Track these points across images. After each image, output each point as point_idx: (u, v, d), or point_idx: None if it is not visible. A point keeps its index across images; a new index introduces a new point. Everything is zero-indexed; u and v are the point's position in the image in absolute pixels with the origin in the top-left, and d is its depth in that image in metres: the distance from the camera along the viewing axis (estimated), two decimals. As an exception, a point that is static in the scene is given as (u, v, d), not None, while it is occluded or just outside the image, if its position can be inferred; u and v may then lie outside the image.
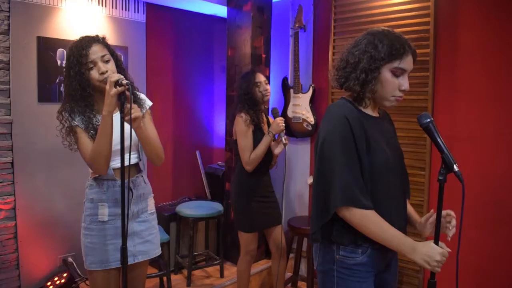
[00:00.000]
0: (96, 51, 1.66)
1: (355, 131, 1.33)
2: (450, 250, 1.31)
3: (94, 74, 1.66)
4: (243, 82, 2.65)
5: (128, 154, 1.60)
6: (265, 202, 2.67)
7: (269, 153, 2.61)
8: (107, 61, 1.69)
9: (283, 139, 2.55)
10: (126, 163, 1.72)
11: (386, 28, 1.42)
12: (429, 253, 1.26)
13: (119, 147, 1.69)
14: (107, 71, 1.66)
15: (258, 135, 2.57)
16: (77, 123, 1.68)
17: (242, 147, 2.56)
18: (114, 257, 1.75)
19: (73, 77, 1.65)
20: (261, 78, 2.64)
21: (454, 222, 1.39)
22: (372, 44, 1.36)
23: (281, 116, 2.95)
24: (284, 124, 2.54)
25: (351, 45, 1.44)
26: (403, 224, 1.49)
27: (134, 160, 1.82)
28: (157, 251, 1.91)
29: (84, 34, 1.73)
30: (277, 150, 2.61)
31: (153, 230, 1.89)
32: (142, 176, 1.86)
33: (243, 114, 2.57)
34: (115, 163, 1.75)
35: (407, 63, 1.36)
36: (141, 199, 1.84)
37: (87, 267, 1.77)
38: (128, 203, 1.66)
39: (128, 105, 1.54)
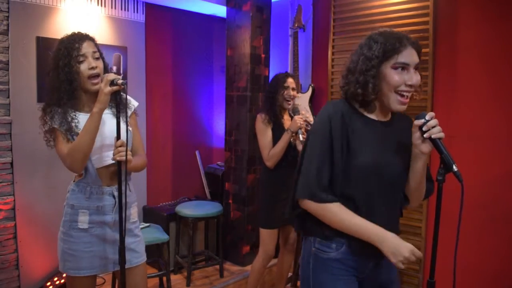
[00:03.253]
0: (88, 47, 1.67)
1: (334, 132, 1.33)
2: (421, 254, 1.28)
3: (84, 67, 1.65)
4: (273, 81, 2.71)
5: (125, 152, 1.59)
6: (286, 199, 2.68)
7: (290, 150, 2.63)
8: (97, 58, 1.69)
9: (300, 136, 2.56)
10: (104, 163, 1.72)
11: (385, 28, 1.41)
12: (398, 246, 1.25)
13: (105, 143, 1.69)
14: (96, 67, 1.66)
15: (279, 132, 2.61)
16: (56, 126, 1.65)
17: (261, 144, 2.65)
18: (95, 263, 1.71)
19: (61, 68, 1.62)
20: (290, 83, 2.67)
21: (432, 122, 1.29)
22: (367, 46, 1.36)
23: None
24: (302, 122, 2.55)
25: (352, 53, 1.44)
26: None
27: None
28: (141, 259, 1.84)
29: (76, 31, 1.73)
30: (299, 147, 2.64)
31: (135, 238, 1.84)
32: (128, 184, 1.81)
33: (262, 113, 2.65)
34: (102, 162, 1.71)
35: (407, 56, 1.34)
36: (125, 207, 1.79)
37: (65, 271, 1.72)
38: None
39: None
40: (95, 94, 1.65)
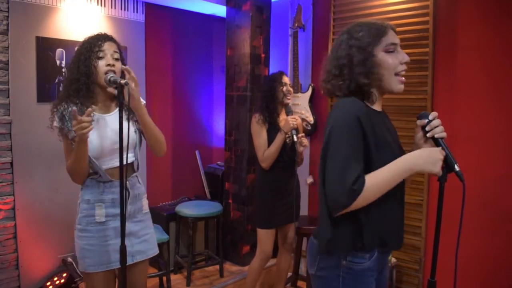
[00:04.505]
0: (109, 46, 1.74)
1: (367, 131, 1.28)
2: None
3: (102, 63, 1.70)
4: (269, 80, 2.72)
5: (126, 153, 1.60)
6: (282, 199, 2.68)
7: (285, 150, 2.63)
8: (116, 59, 1.75)
9: (294, 137, 2.55)
10: (114, 164, 1.76)
11: (356, 21, 1.42)
12: (432, 155, 1.24)
13: (115, 146, 1.71)
14: (114, 65, 1.72)
15: (274, 133, 2.61)
16: (60, 125, 1.68)
17: (256, 145, 2.65)
18: (113, 258, 1.75)
19: (82, 61, 1.70)
20: (286, 80, 2.70)
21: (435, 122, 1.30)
22: (352, 38, 1.36)
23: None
24: (295, 122, 2.55)
25: (332, 51, 1.43)
26: (401, 223, 1.46)
27: (130, 159, 1.81)
28: (155, 250, 1.90)
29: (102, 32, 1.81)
30: (300, 149, 2.64)
31: (149, 230, 1.90)
32: (137, 176, 1.87)
33: (257, 114, 2.66)
34: (111, 163, 1.76)
35: (393, 36, 1.36)
36: (136, 199, 1.85)
37: (85, 269, 1.74)
38: (126, 203, 1.66)
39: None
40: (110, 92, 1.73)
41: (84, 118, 1.53)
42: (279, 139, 2.56)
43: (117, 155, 1.71)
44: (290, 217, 2.74)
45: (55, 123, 1.70)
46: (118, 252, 1.71)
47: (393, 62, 1.34)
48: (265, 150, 2.61)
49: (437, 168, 1.24)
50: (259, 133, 2.63)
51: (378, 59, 1.34)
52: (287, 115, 2.65)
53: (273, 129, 2.62)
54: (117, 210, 1.73)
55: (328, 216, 1.33)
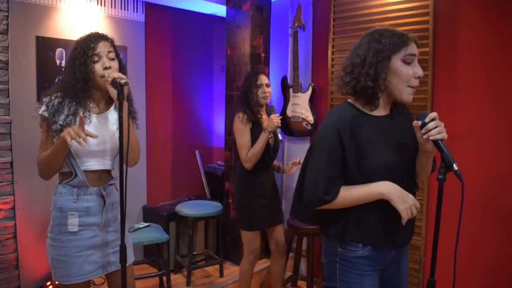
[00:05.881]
0: (103, 47, 1.68)
1: (345, 141, 1.38)
2: (419, 206, 1.39)
3: (98, 67, 1.66)
4: (245, 81, 2.69)
5: (126, 154, 1.58)
6: (266, 200, 2.67)
7: (268, 151, 2.62)
8: (112, 59, 1.70)
9: (279, 135, 2.55)
10: (103, 166, 1.74)
11: (384, 26, 1.45)
12: (405, 193, 1.36)
13: (96, 148, 1.69)
14: (110, 67, 1.67)
15: (257, 133, 2.58)
16: (46, 115, 1.67)
17: (239, 145, 2.59)
18: (85, 269, 1.68)
19: (77, 67, 1.65)
20: (263, 80, 2.65)
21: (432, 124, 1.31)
22: (374, 40, 1.39)
23: (280, 115, 2.95)
24: (279, 121, 2.54)
25: (352, 50, 1.46)
26: (409, 225, 1.45)
27: (108, 166, 1.77)
28: (130, 259, 1.82)
29: (94, 31, 1.75)
30: (292, 171, 2.72)
31: (126, 238, 1.82)
32: (114, 184, 1.81)
33: (240, 114, 2.60)
34: (90, 164, 1.70)
35: (414, 49, 1.39)
36: (112, 207, 1.78)
37: (56, 280, 1.69)
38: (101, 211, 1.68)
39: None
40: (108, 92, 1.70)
41: (87, 132, 1.52)
42: (263, 138, 2.52)
43: (97, 158, 1.71)
44: (275, 218, 2.72)
45: (41, 111, 1.66)
46: (90, 264, 1.69)
47: (407, 73, 1.37)
48: (249, 150, 2.56)
49: (403, 207, 1.34)
50: (243, 132, 2.57)
51: (394, 66, 1.36)
52: (269, 114, 2.62)
53: (257, 129, 2.58)
54: (91, 220, 1.70)
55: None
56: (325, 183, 1.38)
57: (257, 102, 2.63)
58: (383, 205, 1.38)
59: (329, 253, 1.53)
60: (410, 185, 1.50)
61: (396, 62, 1.36)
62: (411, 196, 1.37)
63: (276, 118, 2.52)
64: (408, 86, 1.38)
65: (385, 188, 1.36)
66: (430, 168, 1.53)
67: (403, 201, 1.34)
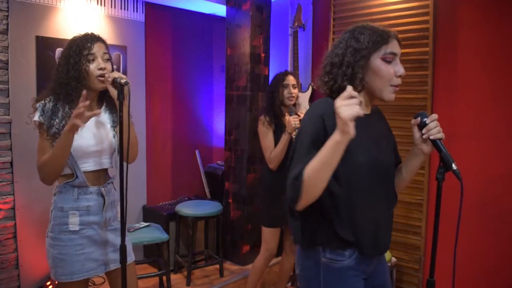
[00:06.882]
0: (99, 48, 1.69)
1: (329, 130, 1.24)
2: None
3: (93, 67, 1.67)
4: (273, 80, 2.73)
5: (125, 154, 1.59)
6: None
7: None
8: (106, 60, 1.71)
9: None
10: (100, 166, 1.74)
11: (365, 23, 1.39)
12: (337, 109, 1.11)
13: (93, 149, 1.70)
14: (105, 68, 1.68)
15: (280, 135, 2.62)
16: (41, 120, 1.64)
17: (263, 146, 2.68)
18: (86, 267, 1.70)
19: (71, 65, 1.64)
20: (290, 81, 2.68)
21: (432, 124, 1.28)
22: (353, 38, 1.34)
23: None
24: (298, 122, 2.55)
25: (332, 48, 1.41)
26: (389, 232, 1.43)
27: (106, 165, 1.78)
28: (130, 258, 1.84)
29: (89, 32, 1.75)
30: None
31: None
32: (112, 183, 1.82)
33: (262, 117, 2.67)
34: (88, 165, 1.71)
35: (395, 47, 1.33)
36: (111, 206, 1.79)
37: (56, 279, 1.70)
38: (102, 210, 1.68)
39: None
40: (101, 93, 1.72)
41: (90, 112, 1.53)
42: (284, 140, 2.57)
43: (95, 158, 1.72)
44: None
45: (36, 117, 1.65)
46: (92, 261, 1.70)
47: (387, 72, 1.30)
48: (272, 151, 2.62)
49: (342, 111, 1.11)
50: (266, 135, 2.65)
51: (374, 65, 1.31)
52: (290, 115, 2.64)
53: (279, 130, 2.64)
54: (92, 218, 1.71)
55: (299, 212, 1.31)
56: (297, 168, 1.20)
57: (282, 102, 2.66)
58: (368, 209, 1.33)
59: (309, 265, 1.38)
60: (392, 189, 1.45)
61: (376, 60, 1.31)
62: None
63: (293, 120, 2.53)
64: (391, 85, 1.32)
65: (337, 133, 1.13)
66: (412, 176, 1.48)
67: (343, 110, 1.11)
